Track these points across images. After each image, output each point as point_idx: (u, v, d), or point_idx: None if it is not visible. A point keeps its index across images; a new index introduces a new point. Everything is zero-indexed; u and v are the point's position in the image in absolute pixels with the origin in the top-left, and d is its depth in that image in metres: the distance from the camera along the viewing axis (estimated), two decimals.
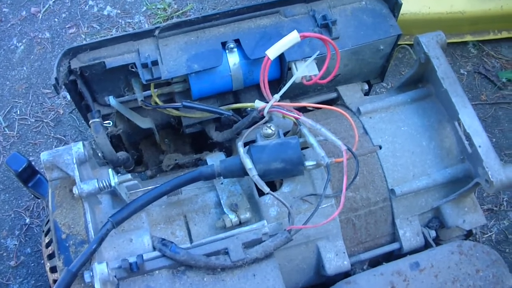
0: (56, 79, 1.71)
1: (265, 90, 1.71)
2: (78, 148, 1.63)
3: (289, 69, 1.85)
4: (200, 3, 3.30)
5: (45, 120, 2.98)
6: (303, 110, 1.91)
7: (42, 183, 2.09)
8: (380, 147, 1.79)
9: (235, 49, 1.85)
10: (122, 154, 1.99)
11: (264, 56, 1.69)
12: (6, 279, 2.62)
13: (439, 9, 2.89)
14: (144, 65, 1.76)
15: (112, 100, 1.93)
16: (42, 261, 2.56)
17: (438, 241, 1.87)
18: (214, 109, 1.87)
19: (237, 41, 1.85)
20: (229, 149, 2.04)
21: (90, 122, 1.85)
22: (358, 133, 1.71)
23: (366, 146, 1.81)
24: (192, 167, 2.11)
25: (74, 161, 1.61)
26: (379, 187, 1.79)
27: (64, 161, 1.61)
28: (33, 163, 2.73)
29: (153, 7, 3.29)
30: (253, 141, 1.73)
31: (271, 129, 1.70)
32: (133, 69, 1.79)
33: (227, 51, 1.85)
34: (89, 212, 1.59)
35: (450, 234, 1.88)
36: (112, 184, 1.59)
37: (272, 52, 1.69)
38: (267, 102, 1.69)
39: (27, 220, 2.73)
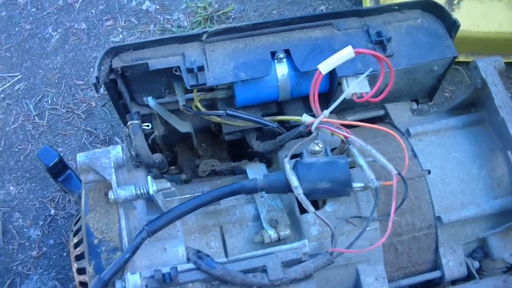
0: (97, 78, 1.66)
1: (315, 105, 1.65)
2: (116, 152, 1.57)
3: (339, 84, 1.79)
4: (242, 4, 3.23)
5: (76, 112, 2.93)
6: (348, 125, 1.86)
7: (72, 178, 2.07)
8: (429, 172, 1.72)
9: (284, 60, 1.78)
10: (157, 157, 1.94)
11: (315, 70, 1.63)
12: (27, 269, 2.57)
13: (488, 28, 2.79)
14: (190, 70, 1.70)
15: (151, 101, 1.88)
16: (65, 254, 2.54)
17: (480, 271, 1.80)
18: (259, 119, 1.81)
19: (286, 52, 1.78)
20: (269, 160, 1.98)
21: (128, 124, 1.80)
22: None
23: (414, 170, 1.74)
24: (229, 175, 2.06)
25: (112, 165, 1.55)
26: (425, 213, 1.72)
27: (101, 164, 1.56)
28: (61, 154, 2.73)
29: (193, 5, 3.23)
30: (297, 156, 1.66)
31: (319, 146, 1.63)
32: (176, 73, 1.74)
33: (276, 61, 1.78)
34: (123, 218, 1.54)
35: (493, 265, 1.81)
36: (151, 192, 1.54)
37: (325, 67, 1.63)
38: (315, 117, 1.63)
39: (52, 211, 2.68)
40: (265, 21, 1.79)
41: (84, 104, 2.95)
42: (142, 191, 1.54)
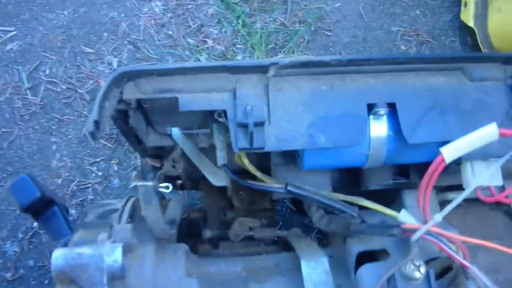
0: (96, 122, 1.04)
1: (424, 204, 1.10)
2: (114, 260, 1.00)
3: (459, 164, 1.19)
4: None
5: (80, 91, 2.32)
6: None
7: (56, 218, 1.53)
8: None
9: (385, 116, 1.18)
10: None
11: (431, 145, 1.09)
12: None
13: None
14: (242, 125, 1.10)
15: (176, 133, 1.32)
16: (46, 281, 2.03)
17: None
18: (332, 203, 1.22)
19: (390, 105, 1.17)
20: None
21: (139, 185, 1.21)
22: None
23: None
24: (271, 246, 1.50)
25: (105, 281, 0.99)
26: None
27: (89, 278, 0.99)
28: (55, 145, 2.17)
29: None
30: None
31: (420, 272, 1.07)
32: (220, 119, 1.14)
33: (372, 116, 1.17)
34: None
35: None
36: None
37: (451, 153, 1.08)
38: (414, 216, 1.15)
39: (35, 223, 2.13)
40: (367, 58, 1.16)
41: (91, 81, 2.33)
42: None
